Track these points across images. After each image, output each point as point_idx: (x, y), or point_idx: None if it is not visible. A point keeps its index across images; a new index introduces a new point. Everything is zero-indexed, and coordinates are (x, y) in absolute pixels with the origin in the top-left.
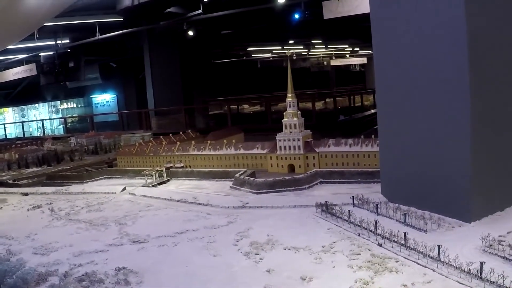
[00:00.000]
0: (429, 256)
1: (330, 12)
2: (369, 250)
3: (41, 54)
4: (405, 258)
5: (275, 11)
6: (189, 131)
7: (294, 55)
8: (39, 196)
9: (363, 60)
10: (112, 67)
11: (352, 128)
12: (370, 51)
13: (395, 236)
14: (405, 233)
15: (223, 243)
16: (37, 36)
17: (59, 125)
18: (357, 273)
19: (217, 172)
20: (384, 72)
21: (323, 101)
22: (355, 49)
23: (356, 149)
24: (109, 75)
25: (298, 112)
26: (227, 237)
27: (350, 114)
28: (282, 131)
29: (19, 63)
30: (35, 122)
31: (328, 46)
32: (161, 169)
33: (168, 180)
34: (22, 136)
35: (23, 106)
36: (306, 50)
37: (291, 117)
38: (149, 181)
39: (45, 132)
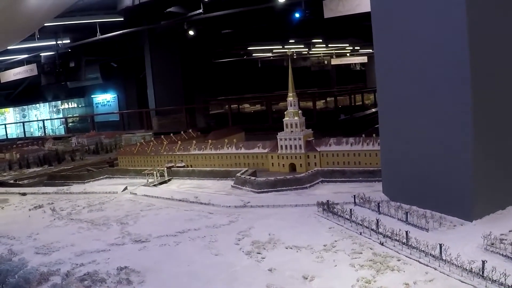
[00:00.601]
0: (430, 254)
1: (330, 11)
2: (370, 249)
3: (42, 54)
4: (406, 256)
5: (276, 10)
6: (190, 130)
7: (295, 55)
8: (41, 196)
9: (364, 59)
10: (113, 67)
11: (353, 127)
12: (371, 50)
13: (396, 234)
14: (406, 232)
15: (224, 242)
16: (38, 36)
17: (60, 125)
18: (359, 272)
19: (218, 171)
20: (385, 71)
21: (324, 100)
22: (355, 48)
23: (357, 148)
24: (110, 75)
25: (299, 111)
26: (228, 236)
27: (351, 113)
28: (283, 130)
29: (20, 63)
30: (36, 122)
31: (329, 45)
32: (162, 168)
33: (169, 180)
34: (23, 136)
35: (24, 106)
36: (307, 49)
37: (292, 116)
38: (150, 180)
39: (46, 132)
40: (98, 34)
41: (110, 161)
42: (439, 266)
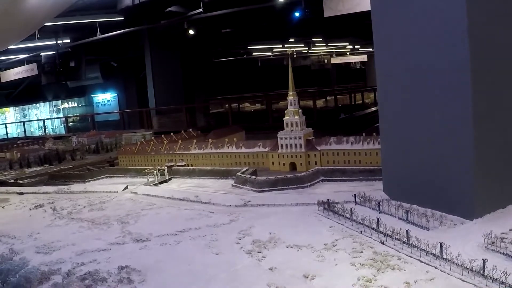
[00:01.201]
0: (431, 253)
1: (330, 10)
2: (371, 247)
3: (42, 54)
4: (407, 255)
5: (276, 9)
6: (190, 129)
7: (295, 54)
8: (41, 195)
9: (364, 58)
10: (113, 67)
11: (353, 126)
12: (371, 49)
13: (397, 233)
14: (407, 231)
15: (225, 242)
16: (38, 36)
17: (60, 125)
18: (359, 271)
19: (219, 170)
20: (385, 70)
21: (324, 99)
22: (355, 46)
23: (357, 147)
24: (110, 75)
25: (299, 110)
26: (229, 235)
27: (351, 112)
28: (283, 129)
29: (20, 63)
30: (36, 121)
31: (329, 44)
32: (162, 167)
33: (169, 179)
34: (24, 135)
35: (24, 106)
36: (307, 48)
37: (292, 115)
38: (150, 179)
39: (47, 131)
40: (98, 33)
41: (110, 160)
42: (440, 265)
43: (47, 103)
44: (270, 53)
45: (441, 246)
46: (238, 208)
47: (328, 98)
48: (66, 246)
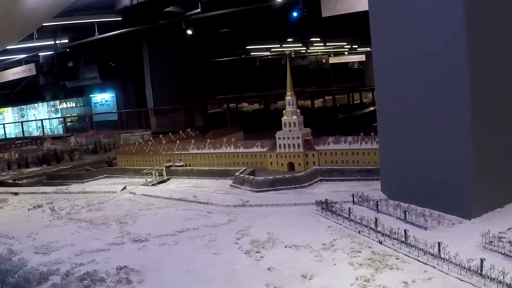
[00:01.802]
0: (429, 253)
1: (328, 10)
2: (369, 247)
3: (40, 54)
4: (405, 255)
5: (274, 9)
6: (189, 130)
7: (293, 53)
8: (40, 196)
9: (362, 58)
10: (111, 67)
11: (352, 125)
12: (369, 48)
13: (395, 233)
14: (405, 230)
15: (223, 242)
16: (36, 36)
17: (59, 125)
18: (357, 271)
19: (217, 170)
20: (383, 69)
21: (322, 99)
22: (353, 46)
23: (355, 147)
24: (108, 75)
25: (298, 110)
26: (227, 235)
27: (349, 112)
28: (281, 129)
29: (19, 63)
30: (34, 122)
31: (327, 44)
32: (161, 168)
33: (168, 179)
34: (22, 136)
35: (22, 106)
36: (305, 48)
37: (290, 115)
38: (149, 180)
39: (45, 131)
40: (96, 33)
41: (108, 160)
42: (438, 264)
43: (45, 103)
44: (268, 53)
45: (439, 245)
46: (236, 208)
47: (326, 97)
48: (64, 246)
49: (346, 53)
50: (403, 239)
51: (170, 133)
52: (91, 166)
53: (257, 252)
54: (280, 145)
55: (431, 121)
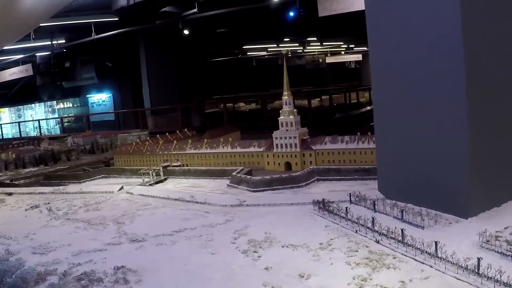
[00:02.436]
0: (426, 252)
1: (325, 9)
2: (366, 247)
3: (37, 54)
4: (402, 254)
5: (270, 9)
6: (186, 130)
7: (290, 53)
8: (37, 196)
9: (358, 57)
10: (108, 67)
11: (348, 125)
12: (366, 48)
13: (392, 232)
14: (402, 230)
15: (221, 241)
16: (33, 36)
17: (56, 125)
18: (355, 270)
19: (214, 170)
20: (379, 69)
21: (319, 99)
22: (350, 46)
23: (352, 146)
24: (105, 75)
25: (294, 110)
26: (225, 235)
27: (346, 111)
28: (278, 129)
29: (15, 63)
30: (31, 122)
31: (324, 43)
32: (158, 168)
33: (165, 179)
34: (19, 136)
35: (19, 106)
36: (302, 48)
37: (287, 115)
38: (146, 180)
39: (42, 132)
40: (93, 34)
41: (106, 160)
42: (435, 263)
43: (42, 103)
44: (265, 53)
45: (436, 244)
46: (233, 208)
47: (323, 97)
48: (62, 246)
49: (343, 52)
50: (400, 238)
51: (167, 133)
52: (88, 166)
53: (254, 251)
54: (277, 144)
55: (428, 120)
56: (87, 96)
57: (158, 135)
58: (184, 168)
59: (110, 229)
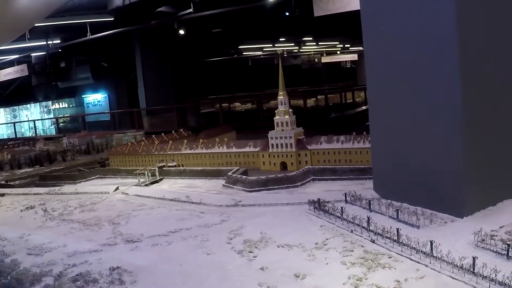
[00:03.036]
0: (421, 251)
1: (320, 9)
2: (362, 246)
3: (33, 54)
4: (398, 254)
5: (266, 9)
6: (181, 130)
7: (285, 53)
8: (32, 197)
9: (354, 57)
10: (104, 67)
11: (344, 125)
12: (361, 48)
13: (387, 232)
14: (397, 229)
15: (216, 242)
16: (28, 36)
17: (51, 125)
18: (350, 270)
19: (210, 170)
20: (375, 69)
21: (315, 98)
22: (346, 45)
23: (348, 146)
24: (101, 75)
25: (290, 110)
26: (220, 235)
27: (341, 111)
28: (274, 129)
29: (11, 63)
30: (27, 122)
31: (319, 43)
32: (153, 168)
33: (160, 179)
34: (14, 136)
35: (14, 107)
36: (297, 48)
37: (282, 115)
38: (141, 180)
39: (37, 132)
40: (88, 34)
41: (101, 161)
42: (430, 263)
43: (38, 103)
44: (260, 53)
45: (431, 244)
46: (229, 208)
47: (319, 97)
48: (57, 247)
49: (338, 52)
50: (395, 238)
51: (162, 133)
52: (84, 166)
53: (249, 252)
54: (272, 144)
55: (423, 120)
56: (82, 96)
57: (153, 135)
58: (179, 168)
59: (105, 230)
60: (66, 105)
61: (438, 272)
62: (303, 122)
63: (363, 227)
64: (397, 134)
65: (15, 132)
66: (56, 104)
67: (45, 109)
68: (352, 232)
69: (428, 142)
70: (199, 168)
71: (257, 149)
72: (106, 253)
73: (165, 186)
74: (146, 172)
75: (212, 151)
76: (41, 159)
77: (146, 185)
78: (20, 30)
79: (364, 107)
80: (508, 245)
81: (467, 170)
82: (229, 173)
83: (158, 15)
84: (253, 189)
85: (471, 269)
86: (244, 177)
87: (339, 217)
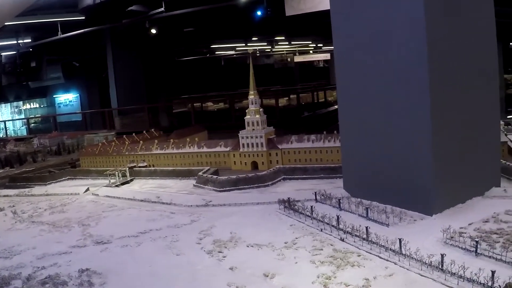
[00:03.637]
0: (391, 249)
1: (292, 8)
2: (331, 245)
3: (2, 54)
4: (367, 252)
5: (238, 8)
6: (153, 130)
7: (258, 52)
8: (2, 199)
9: (327, 56)
10: (75, 66)
11: (316, 124)
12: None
13: (357, 230)
14: (367, 228)
15: (186, 242)
16: None
17: (22, 126)
18: (319, 268)
19: (181, 170)
20: (344, 68)
21: (287, 98)
22: (318, 45)
23: (318, 145)
24: (72, 75)
25: (261, 109)
26: (190, 236)
27: (313, 110)
28: (245, 129)
29: None
30: None
31: (292, 43)
32: (124, 168)
33: (131, 180)
34: None
35: None
36: (270, 47)
37: (253, 114)
38: (112, 181)
39: (8, 133)
40: (59, 33)
41: (72, 162)
42: (399, 260)
43: (8, 104)
44: (233, 52)
45: (400, 242)
46: (199, 208)
47: (291, 96)
48: (26, 250)
49: (311, 51)
50: (364, 236)
51: (133, 134)
52: (54, 168)
53: (219, 252)
54: (243, 144)
55: (392, 119)
56: (54, 96)
57: (124, 136)
58: (150, 168)
59: (75, 232)
60: (37, 105)
61: (407, 269)
62: (275, 122)
63: (333, 226)
64: (366, 134)
65: None
66: (27, 104)
67: (16, 110)
68: (321, 231)
69: (397, 141)
70: (170, 168)
71: (228, 149)
72: (76, 255)
73: (135, 186)
74: (116, 172)
75: (183, 151)
76: (12, 160)
77: (116, 186)
78: None
79: (336, 106)
80: (477, 242)
81: (436, 168)
82: (200, 173)
83: (130, 14)
84: (224, 189)
85: (440, 266)
86: (215, 177)
87: (309, 216)
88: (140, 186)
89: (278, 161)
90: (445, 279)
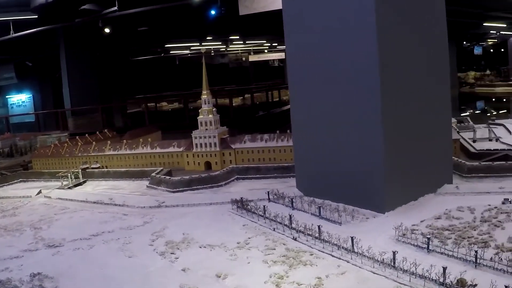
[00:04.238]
0: (343, 248)
1: (245, 8)
2: (284, 244)
3: None
4: (319, 251)
5: (192, 7)
6: (106, 130)
7: (212, 52)
8: None
9: (282, 55)
10: (28, 66)
11: (270, 123)
12: None
13: (309, 229)
14: (319, 226)
15: (138, 244)
16: None
17: None
18: (272, 268)
19: (134, 171)
20: (295, 68)
21: (242, 97)
22: (273, 44)
23: (271, 144)
24: (25, 74)
25: (214, 109)
26: (142, 237)
27: (268, 110)
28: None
29: None
30: None
31: (246, 42)
32: (77, 170)
33: (84, 182)
34: None
35: None
36: (225, 46)
37: (206, 114)
38: (65, 183)
39: None
40: (11, 32)
41: (24, 164)
42: (351, 258)
43: None
44: (188, 52)
45: (352, 240)
46: (152, 209)
47: (246, 96)
48: None
49: (266, 51)
50: (317, 235)
51: (86, 134)
52: (6, 170)
53: (171, 253)
54: (196, 144)
55: (344, 119)
56: (6, 96)
57: (77, 137)
58: (103, 170)
59: (27, 235)
60: None
61: (359, 267)
62: (229, 121)
63: (285, 225)
64: (318, 133)
65: None
66: None
67: None
68: (274, 230)
69: (349, 140)
70: (123, 169)
71: (181, 149)
72: (27, 259)
73: (88, 188)
74: (69, 174)
75: (136, 152)
76: None
77: (69, 188)
78: None
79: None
80: (428, 238)
81: (388, 166)
82: (153, 174)
83: (83, 13)
84: (177, 189)
85: (392, 264)
86: (168, 177)
87: (262, 216)
88: (93, 188)
89: (231, 161)
90: (397, 276)
